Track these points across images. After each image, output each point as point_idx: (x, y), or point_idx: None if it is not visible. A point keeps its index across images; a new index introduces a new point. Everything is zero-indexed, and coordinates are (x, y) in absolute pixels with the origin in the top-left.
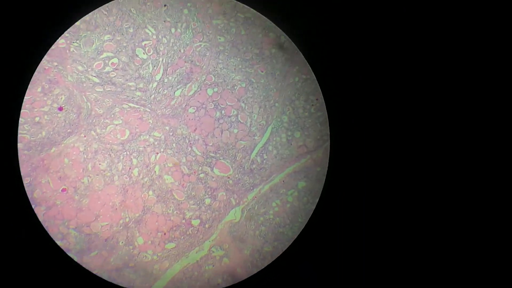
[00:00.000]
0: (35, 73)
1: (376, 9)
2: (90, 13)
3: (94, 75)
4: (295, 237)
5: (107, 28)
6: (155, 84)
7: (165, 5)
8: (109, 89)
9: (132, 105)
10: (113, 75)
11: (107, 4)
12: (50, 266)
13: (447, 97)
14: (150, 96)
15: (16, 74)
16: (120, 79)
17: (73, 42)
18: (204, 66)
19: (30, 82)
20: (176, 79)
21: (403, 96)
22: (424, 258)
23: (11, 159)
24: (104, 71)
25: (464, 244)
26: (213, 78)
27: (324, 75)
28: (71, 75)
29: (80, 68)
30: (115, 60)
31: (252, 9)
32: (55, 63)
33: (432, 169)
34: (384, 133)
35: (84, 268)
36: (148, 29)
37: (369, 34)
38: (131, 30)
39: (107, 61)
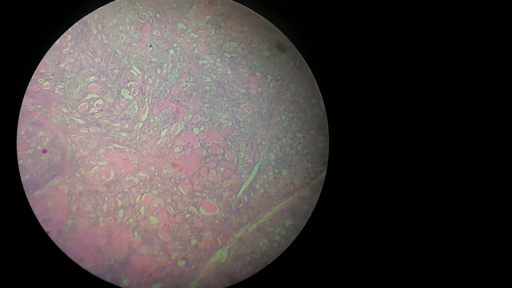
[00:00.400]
0: (19, 116)
1: (376, 9)
2: (75, 55)
3: (79, 116)
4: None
5: (92, 70)
6: (140, 125)
7: (150, 46)
8: (94, 130)
9: (117, 146)
10: (98, 117)
11: (92, 46)
12: (49, 267)
13: (447, 97)
14: (136, 136)
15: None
16: (105, 120)
17: (58, 84)
18: (191, 106)
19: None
20: (162, 119)
21: (403, 96)
22: (423, 264)
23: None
24: (89, 112)
25: (464, 244)
26: (200, 117)
27: (324, 75)
28: (55, 117)
29: (64, 110)
30: (100, 102)
31: (238, 48)
32: (39, 106)
33: (432, 170)
34: (384, 133)
35: (83, 269)
36: (134, 70)
37: (369, 34)
38: (117, 71)
39: (92, 103)
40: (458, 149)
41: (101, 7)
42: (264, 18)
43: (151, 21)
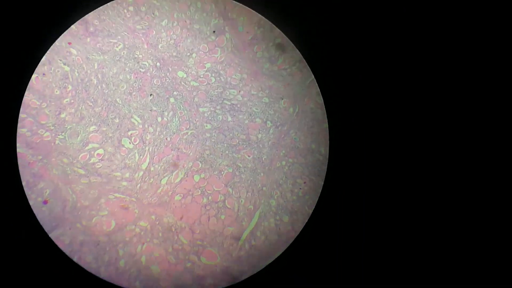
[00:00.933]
0: (19, 167)
1: (376, 10)
2: (76, 105)
3: (80, 166)
4: None
5: (92, 119)
6: (141, 173)
7: (151, 95)
8: (94, 180)
9: (118, 195)
10: (98, 166)
11: (92, 95)
12: (49, 267)
13: (447, 97)
14: (136, 185)
15: None
16: (106, 170)
17: (59, 135)
18: (191, 153)
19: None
20: (162, 167)
21: (403, 96)
22: (423, 265)
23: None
24: (90, 162)
25: (464, 243)
26: (200, 164)
27: (324, 75)
28: (56, 168)
29: (65, 160)
30: (100, 151)
31: (238, 96)
32: (40, 157)
33: (432, 170)
34: (384, 133)
35: (82, 268)
36: (134, 119)
37: (369, 34)
38: (117, 121)
39: (92, 152)
40: (458, 149)
41: (102, 7)
42: (267, 20)
43: (151, 69)
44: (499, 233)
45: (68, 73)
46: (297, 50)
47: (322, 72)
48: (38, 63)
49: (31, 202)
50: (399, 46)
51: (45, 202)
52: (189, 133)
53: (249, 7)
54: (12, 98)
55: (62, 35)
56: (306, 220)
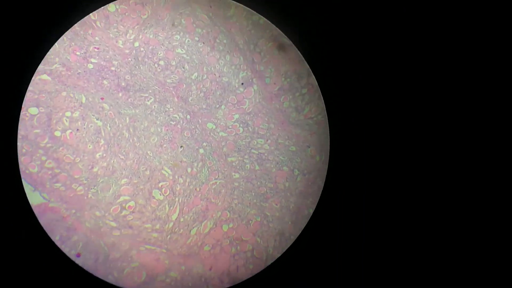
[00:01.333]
0: (53, 221)
1: (376, 10)
2: (108, 159)
3: (112, 219)
4: None
5: (124, 172)
6: (171, 224)
7: (181, 146)
8: (126, 232)
9: (148, 246)
10: (130, 218)
11: (124, 149)
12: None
13: (447, 96)
14: (167, 236)
15: None
16: (137, 222)
17: (91, 189)
18: (220, 203)
19: (48, 230)
20: (192, 217)
21: (402, 95)
22: (423, 266)
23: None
24: (121, 214)
25: (464, 243)
26: (228, 214)
27: (324, 75)
28: (88, 221)
29: (97, 213)
30: (132, 204)
31: (265, 145)
32: (73, 211)
33: (432, 170)
34: (383, 133)
35: (82, 268)
36: (165, 171)
37: (369, 34)
38: (148, 173)
39: (124, 205)
40: (458, 150)
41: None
42: (272, 24)
43: (181, 122)
44: (498, 233)
45: (101, 128)
46: (297, 50)
47: (322, 72)
48: (39, 63)
49: (65, 251)
50: (399, 46)
51: (78, 255)
52: (217, 183)
53: (249, 7)
54: (12, 95)
55: (95, 91)
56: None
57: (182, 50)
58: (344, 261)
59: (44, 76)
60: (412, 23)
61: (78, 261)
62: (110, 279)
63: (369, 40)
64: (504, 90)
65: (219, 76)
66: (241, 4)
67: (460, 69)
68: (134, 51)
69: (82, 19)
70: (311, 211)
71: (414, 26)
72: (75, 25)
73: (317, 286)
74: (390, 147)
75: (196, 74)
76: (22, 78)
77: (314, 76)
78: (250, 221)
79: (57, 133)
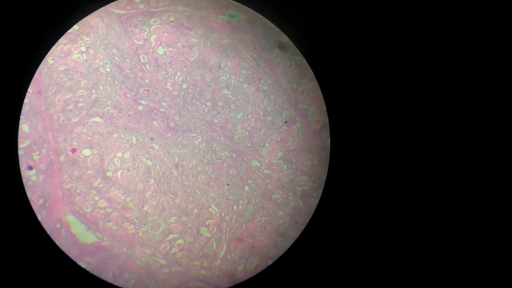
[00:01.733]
0: (106, 260)
1: (376, 10)
2: (157, 198)
3: (161, 257)
4: None
5: (173, 211)
6: (218, 262)
7: (227, 184)
8: (175, 269)
9: (197, 283)
10: (179, 256)
11: (173, 187)
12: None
13: (447, 96)
14: (214, 274)
15: None
16: (186, 260)
17: (142, 227)
18: (265, 240)
19: (101, 269)
20: (238, 255)
21: (402, 95)
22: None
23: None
24: (171, 252)
25: (464, 244)
26: (274, 251)
27: (324, 75)
28: (139, 259)
29: (148, 251)
30: (180, 241)
31: (309, 181)
32: (125, 249)
33: (432, 170)
34: (383, 132)
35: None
36: (212, 208)
37: (369, 34)
38: (196, 211)
39: (173, 243)
40: (458, 150)
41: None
42: (270, 21)
43: (227, 160)
44: (498, 233)
45: (151, 168)
46: (298, 50)
47: (322, 72)
48: (39, 63)
49: None
50: (399, 46)
51: None
52: (263, 220)
53: (249, 7)
54: (12, 95)
55: (146, 132)
56: None
57: (228, 91)
58: (344, 261)
59: (97, 119)
60: (411, 23)
61: None
62: None
63: (369, 41)
64: (505, 90)
65: (263, 115)
66: (284, 34)
67: (459, 69)
68: (182, 93)
69: (132, 63)
70: None
71: (414, 26)
72: (125, 68)
73: (317, 286)
74: (390, 147)
75: (241, 113)
76: (22, 78)
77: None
78: None
79: (109, 174)
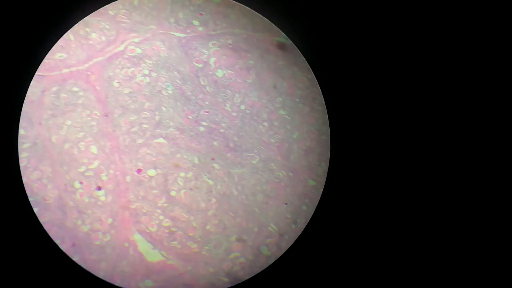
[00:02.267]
0: (172, 278)
1: (376, 10)
2: (219, 216)
3: (224, 275)
4: None
5: (233, 229)
6: None
7: (286, 203)
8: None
9: None
10: (240, 274)
11: (234, 206)
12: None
13: (447, 96)
14: None
15: None
16: (247, 278)
17: (205, 246)
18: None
19: (167, 286)
20: None
21: (402, 95)
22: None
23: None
24: (233, 270)
25: (464, 245)
26: None
27: (325, 75)
28: (203, 277)
29: (211, 270)
30: (242, 260)
31: None
32: (189, 267)
33: (432, 171)
34: (383, 132)
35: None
36: (271, 227)
37: (369, 34)
38: (256, 230)
39: (235, 261)
40: (459, 150)
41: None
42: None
43: (285, 179)
44: (498, 233)
45: (212, 187)
46: (298, 50)
47: (322, 72)
48: (39, 63)
49: None
50: (399, 46)
51: None
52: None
53: (249, 7)
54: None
55: (207, 152)
56: None
57: (284, 111)
58: (344, 261)
59: (161, 140)
60: (411, 23)
61: None
62: None
63: (369, 41)
64: (504, 90)
65: (318, 134)
66: None
67: (460, 69)
68: (240, 114)
69: (193, 85)
70: None
71: (414, 26)
72: (186, 90)
73: (317, 286)
74: (390, 147)
75: (297, 133)
76: (22, 78)
77: None
78: None
79: (173, 193)
